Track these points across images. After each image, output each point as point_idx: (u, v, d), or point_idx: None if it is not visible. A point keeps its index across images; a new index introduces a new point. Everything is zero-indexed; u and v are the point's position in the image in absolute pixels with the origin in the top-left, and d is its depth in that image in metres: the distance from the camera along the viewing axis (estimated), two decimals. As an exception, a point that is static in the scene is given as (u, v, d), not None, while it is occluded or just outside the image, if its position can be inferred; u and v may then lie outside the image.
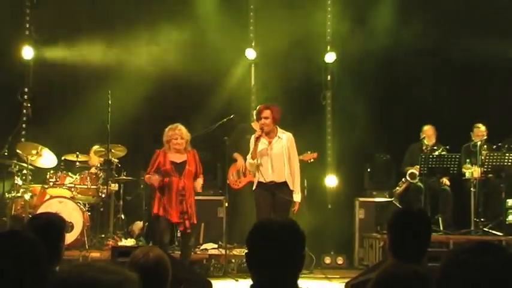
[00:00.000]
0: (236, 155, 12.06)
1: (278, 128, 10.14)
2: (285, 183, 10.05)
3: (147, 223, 12.18)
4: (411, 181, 12.45)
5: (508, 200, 11.91)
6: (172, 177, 9.72)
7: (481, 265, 2.04)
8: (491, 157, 12.20)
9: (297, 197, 9.97)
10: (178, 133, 9.79)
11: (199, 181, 10.08)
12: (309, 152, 10.83)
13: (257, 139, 9.96)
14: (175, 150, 9.81)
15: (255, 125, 11.19)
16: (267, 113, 9.97)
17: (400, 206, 12.16)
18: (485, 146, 12.49)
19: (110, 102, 11.44)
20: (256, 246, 3.62)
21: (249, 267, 3.66)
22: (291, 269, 3.60)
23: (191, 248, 10.17)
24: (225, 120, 11.70)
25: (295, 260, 3.59)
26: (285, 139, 10.09)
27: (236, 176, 12.19)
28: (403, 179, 12.61)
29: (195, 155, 9.98)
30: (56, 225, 4.92)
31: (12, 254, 3.51)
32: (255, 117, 10.98)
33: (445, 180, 12.64)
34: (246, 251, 3.65)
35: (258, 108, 10.27)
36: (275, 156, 10.00)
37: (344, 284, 7.03)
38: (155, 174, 9.73)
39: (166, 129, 9.89)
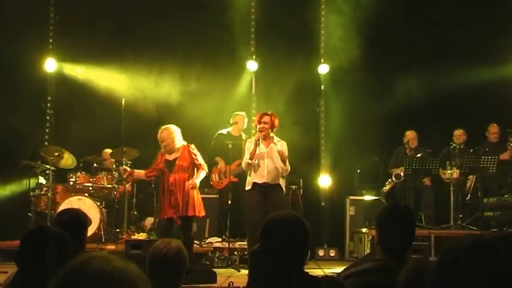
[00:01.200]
0: (218, 159, 12.11)
1: (274, 135, 10.23)
2: (278, 185, 10.11)
3: (157, 220, 12.22)
4: (396, 181, 12.52)
5: (483, 198, 11.94)
6: (165, 175, 9.70)
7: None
8: (468, 160, 12.26)
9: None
10: (164, 136, 9.72)
11: (199, 174, 9.85)
12: None
13: (257, 141, 10.05)
14: (168, 150, 9.77)
15: (233, 132, 11.37)
16: (267, 118, 10.02)
17: (387, 204, 12.24)
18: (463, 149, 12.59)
19: (123, 109, 11.50)
20: (269, 238, 3.74)
21: (262, 257, 3.78)
22: (298, 257, 3.73)
23: (189, 240, 9.58)
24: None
25: (302, 250, 3.73)
26: (280, 146, 10.13)
27: (218, 178, 12.22)
28: (390, 179, 12.67)
29: (190, 149, 9.79)
30: (80, 220, 4.95)
31: (42, 246, 3.63)
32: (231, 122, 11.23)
33: (427, 180, 12.71)
34: (260, 241, 3.77)
35: (259, 114, 10.31)
36: (270, 160, 10.03)
37: (336, 274, 7.07)
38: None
39: (159, 131, 9.84)
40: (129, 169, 10.05)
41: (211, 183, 12.18)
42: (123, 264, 1.78)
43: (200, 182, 9.89)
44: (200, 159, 9.86)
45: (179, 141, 9.82)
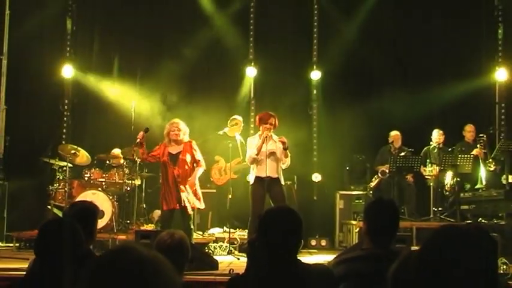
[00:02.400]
0: (217, 157, 12.14)
1: (273, 134, 10.27)
2: (278, 179, 10.18)
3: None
4: (382, 177, 12.51)
5: (460, 193, 11.96)
6: (168, 168, 9.67)
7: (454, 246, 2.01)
8: (446, 158, 12.30)
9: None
10: (175, 125, 9.73)
11: (196, 171, 9.90)
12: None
13: (265, 139, 10.06)
14: (173, 141, 9.74)
15: (230, 133, 11.40)
16: (272, 119, 10.12)
17: (373, 198, 12.27)
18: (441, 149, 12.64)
19: (133, 111, 11.55)
20: (267, 229, 3.80)
21: (260, 246, 3.86)
22: (293, 246, 3.78)
23: (189, 229, 9.68)
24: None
25: (296, 240, 3.78)
26: (278, 142, 10.23)
27: (219, 175, 12.24)
28: (376, 176, 12.67)
29: (192, 145, 9.84)
30: (90, 211, 4.96)
31: (56, 236, 3.66)
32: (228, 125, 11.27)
33: (409, 177, 12.72)
34: (258, 232, 3.84)
35: (264, 115, 10.30)
36: (271, 156, 10.10)
37: (327, 262, 7.08)
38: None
39: (167, 124, 9.92)
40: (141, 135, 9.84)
41: (212, 179, 12.18)
42: (153, 254, 1.78)
43: (200, 176, 9.95)
44: (199, 156, 9.90)
45: (185, 135, 9.85)
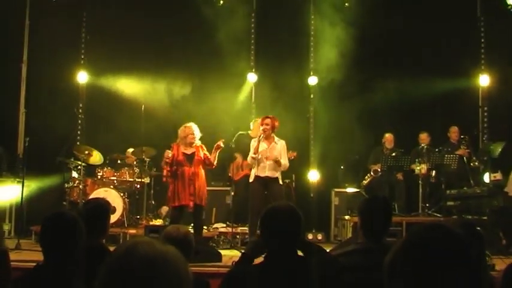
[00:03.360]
0: (236, 155, 12.21)
1: (275, 136, 10.29)
2: (276, 178, 10.21)
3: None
4: (374, 176, 12.54)
5: (446, 190, 11.96)
6: (184, 166, 9.65)
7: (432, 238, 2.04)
8: (434, 158, 12.32)
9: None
10: (191, 130, 9.74)
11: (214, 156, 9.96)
12: (290, 151, 10.86)
13: (259, 138, 10.12)
14: (189, 144, 9.74)
15: (252, 134, 11.35)
16: (268, 121, 10.19)
17: (366, 195, 12.28)
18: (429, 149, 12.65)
19: (143, 114, 11.57)
20: (269, 224, 3.83)
21: (263, 240, 3.88)
22: (292, 240, 3.80)
23: (201, 225, 9.95)
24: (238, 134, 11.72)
25: (295, 234, 3.81)
26: (279, 144, 10.26)
27: (236, 170, 12.31)
28: (368, 174, 12.69)
29: (203, 147, 9.88)
30: (103, 207, 4.97)
31: (59, 228, 3.65)
32: (251, 127, 11.23)
33: (400, 175, 12.75)
34: (261, 227, 3.88)
35: (262, 118, 10.40)
36: (271, 157, 10.14)
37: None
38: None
39: (183, 128, 9.84)
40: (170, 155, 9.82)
41: (230, 174, 12.22)
42: (165, 248, 1.80)
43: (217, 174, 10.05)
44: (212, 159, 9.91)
45: (198, 138, 9.87)
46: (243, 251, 10.04)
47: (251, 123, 11.79)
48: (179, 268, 1.76)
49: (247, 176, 11.30)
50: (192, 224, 10.04)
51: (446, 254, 1.97)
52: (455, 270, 1.96)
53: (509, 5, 13.15)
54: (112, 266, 1.74)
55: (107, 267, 1.74)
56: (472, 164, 12.32)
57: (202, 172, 9.87)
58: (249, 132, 11.62)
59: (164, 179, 10.36)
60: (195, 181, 9.66)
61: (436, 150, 12.57)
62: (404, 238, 2.08)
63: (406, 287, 1.95)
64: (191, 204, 9.62)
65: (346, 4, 13.52)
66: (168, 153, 9.76)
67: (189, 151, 9.79)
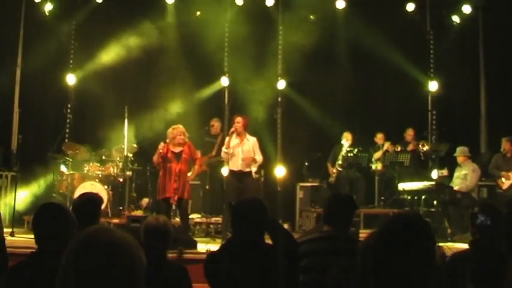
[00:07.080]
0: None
1: (247, 133, 10.30)
2: (249, 172, 10.21)
3: (151, 200, 12.25)
4: (339, 169, 12.60)
5: (399, 185, 12.08)
6: (172, 163, 9.66)
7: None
8: (388, 155, 12.46)
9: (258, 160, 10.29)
10: (180, 131, 9.77)
11: (196, 168, 10.25)
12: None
13: (231, 135, 10.14)
14: (177, 144, 9.74)
15: (212, 132, 11.44)
16: (239, 119, 10.19)
17: (327, 189, 12.45)
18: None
19: (126, 115, 11.54)
20: (238, 215, 3.95)
21: (232, 228, 4.09)
22: (260, 230, 3.92)
23: (186, 214, 10.09)
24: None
25: (262, 224, 3.92)
26: (251, 141, 10.28)
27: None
28: (334, 170, 12.73)
29: (190, 146, 9.91)
30: (95, 201, 5.01)
31: (52, 217, 3.62)
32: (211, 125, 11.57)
33: (357, 173, 12.86)
34: (232, 217, 4.01)
35: (234, 116, 10.44)
36: (244, 152, 10.12)
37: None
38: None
39: (171, 129, 9.83)
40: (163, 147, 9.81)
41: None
42: (121, 234, 1.84)
43: None
44: (199, 155, 10.08)
45: (185, 138, 9.90)
46: (215, 239, 10.17)
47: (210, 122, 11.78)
48: (133, 252, 1.80)
49: (204, 171, 11.53)
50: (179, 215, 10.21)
51: (417, 245, 2.12)
52: (412, 257, 2.10)
53: (454, 21, 13.53)
54: (73, 253, 1.79)
55: (68, 251, 1.80)
56: (421, 156, 12.60)
57: (187, 169, 9.91)
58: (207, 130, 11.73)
59: (154, 164, 10.41)
60: (181, 177, 9.70)
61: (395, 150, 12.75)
62: (377, 232, 2.22)
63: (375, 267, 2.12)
64: (175, 197, 9.65)
65: (311, 17, 13.55)
66: (162, 146, 9.78)
67: (177, 149, 9.79)
